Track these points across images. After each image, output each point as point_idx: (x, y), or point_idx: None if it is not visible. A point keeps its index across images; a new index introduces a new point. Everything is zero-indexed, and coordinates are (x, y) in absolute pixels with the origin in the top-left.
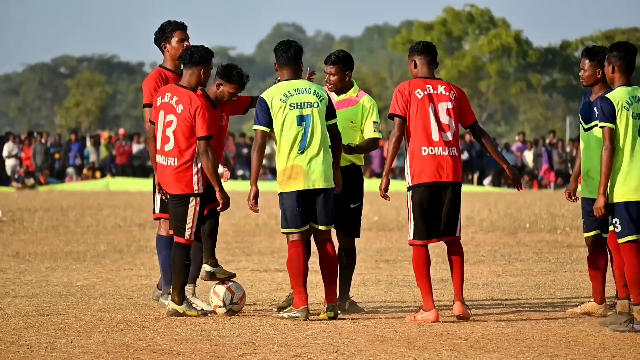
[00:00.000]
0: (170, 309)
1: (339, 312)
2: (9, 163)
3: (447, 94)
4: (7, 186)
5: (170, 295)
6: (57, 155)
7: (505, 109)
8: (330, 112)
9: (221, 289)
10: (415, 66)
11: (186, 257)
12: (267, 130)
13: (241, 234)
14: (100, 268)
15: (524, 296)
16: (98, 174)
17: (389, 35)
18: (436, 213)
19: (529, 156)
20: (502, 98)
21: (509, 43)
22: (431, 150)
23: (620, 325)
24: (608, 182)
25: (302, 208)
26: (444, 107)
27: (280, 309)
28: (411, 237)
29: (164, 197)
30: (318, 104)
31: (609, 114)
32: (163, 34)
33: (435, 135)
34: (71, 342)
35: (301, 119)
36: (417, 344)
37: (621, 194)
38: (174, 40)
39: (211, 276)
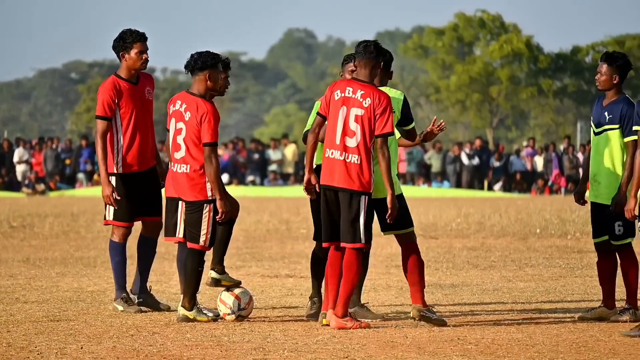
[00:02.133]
0: (181, 314)
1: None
2: (20, 169)
3: (362, 100)
4: (18, 192)
5: (181, 301)
6: (68, 161)
7: (516, 115)
8: (404, 119)
9: (227, 297)
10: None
11: (199, 263)
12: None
13: (252, 240)
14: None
15: (534, 301)
16: None
17: (400, 40)
18: (333, 216)
19: (539, 161)
20: (513, 103)
21: (520, 48)
22: (331, 153)
23: (632, 330)
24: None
25: None
26: (354, 112)
27: (310, 316)
28: (313, 236)
29: (115, 206)
30: None
31: None
32: (123, 43)
33: (337, 139)
34: (81, 347)
35: None
36: (427, 349)
37: None
38: (133, 52)
39: (216, 283)
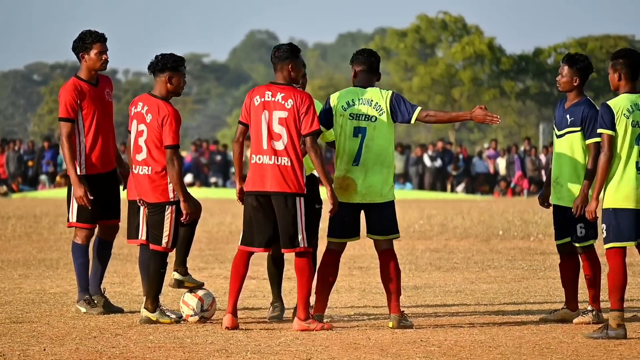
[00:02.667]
0: (144, 316)
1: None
2: None
3: (283, 102)
4: None
5: (144, 303)
6: (30, 163)
7: None
8: (400, 113)
9: (190, 298)
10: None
11: (161, 265)
12: (324, 130)
13: (214, 241)
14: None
15: (497, 303)
16: None
17: (363, 42)
18: (265, 222)
19: (502, 163)
20: (475, 105)
21: (482, 50)
22: (259, 158)
23: (595, 332)
24: (602, 187)
25: (350, 220)
26: (277, 115)
27: (272, 318)
28: (240, 242)
29: (90, 207)
30: (377, 117)
31: (609, 121)
32: (82, 44)
33: (264, 144)
34: (44, 349)
35: (358, 131)
36: (390, 351)
37: (611, 201)
38: (93, 52)
39: (179, 284)
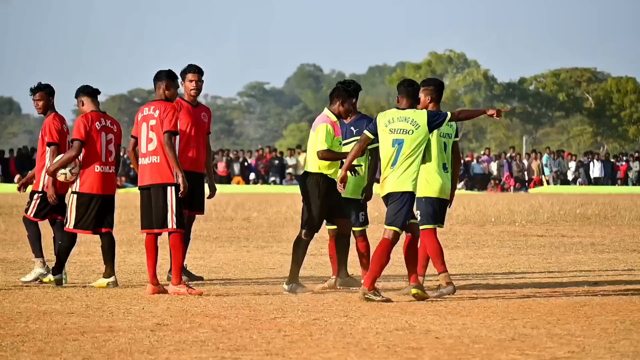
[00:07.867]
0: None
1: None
2: None
3: (153, 112)
4: None
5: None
6: (132, 166)
7: (475, 130)
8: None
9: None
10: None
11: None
12: (372, 137)
13: (273, 225)
14: (165, 253)
15: (490, 274)
16: None
17: (387, 73)
18: (151, 210)
19: (494, 166)
20: (474, 121)
21: (479, 79)
22: (142, 160)
23: (432, 292)
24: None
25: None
26: (150, 124)
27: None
28: (141, 227)
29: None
30: (413, 131)
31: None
32: (183, 75)
33: (143, 148)
34: (143, 308)
35: (395, 142)
36: (407, 310)
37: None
38: (187, 80)
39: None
